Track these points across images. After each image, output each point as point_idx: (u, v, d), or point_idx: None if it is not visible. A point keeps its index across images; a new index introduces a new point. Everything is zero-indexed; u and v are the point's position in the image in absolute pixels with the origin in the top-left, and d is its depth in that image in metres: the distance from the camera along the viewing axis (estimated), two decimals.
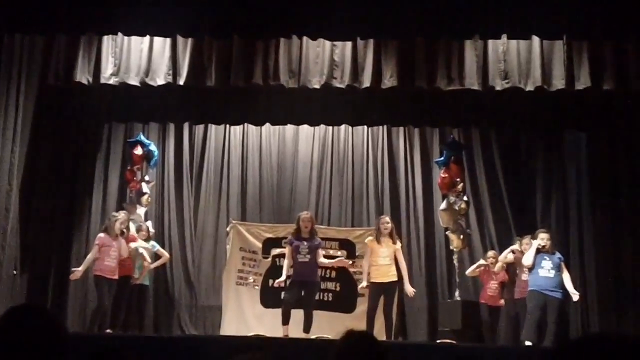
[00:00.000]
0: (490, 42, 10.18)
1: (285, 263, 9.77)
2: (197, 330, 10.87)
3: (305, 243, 9.51)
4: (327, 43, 10.25)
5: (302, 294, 9.45)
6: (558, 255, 9.55)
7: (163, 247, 11.09)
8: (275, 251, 10.71)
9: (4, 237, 10.20)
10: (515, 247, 10.06)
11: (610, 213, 10.91)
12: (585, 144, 11.35)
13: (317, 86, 10.30)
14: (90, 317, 10.06)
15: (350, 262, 10.44)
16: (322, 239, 10.39)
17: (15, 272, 10.30)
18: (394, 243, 9.79)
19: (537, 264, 9.45)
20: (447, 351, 8.92)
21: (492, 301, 10.25)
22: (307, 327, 9.35)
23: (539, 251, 9.43)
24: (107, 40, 10.27)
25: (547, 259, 9.41)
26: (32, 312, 2.36)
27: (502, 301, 10.24)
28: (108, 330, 9.33)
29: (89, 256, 9.65)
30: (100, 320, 9.45)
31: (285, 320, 9.34)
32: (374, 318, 9.56)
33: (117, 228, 9.63)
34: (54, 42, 10.34)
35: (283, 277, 9.67)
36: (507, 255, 10.05)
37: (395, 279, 9.67)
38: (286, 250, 9.82)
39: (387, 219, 10.02)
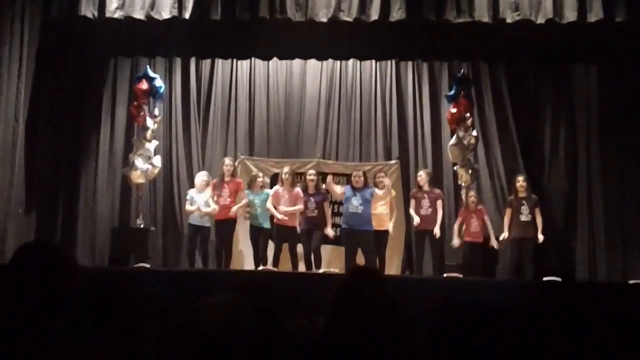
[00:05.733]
0: None
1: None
2: (206, 265, 10.93)
3: (312, 199, 10.01)
4: None
5: (312, 239, 9.99)
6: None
7: (171, 181, 11.35)
8: None
9: (12, 172, 10.23)
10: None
11: (619, 147, 10.86)
12: (596, 78, 11.18)
13: (324, 20, 10.18)
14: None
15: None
16: (330, 174, 10.41)
17: (20, 210, 10.34)
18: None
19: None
20: (452, 285, 9.03)
21: (472, 237, 10.13)
22: (318, 264, 9.93)
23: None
24: None
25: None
26: (41, 249, 2.42)
27: (481, 239, 10.12)
28: None
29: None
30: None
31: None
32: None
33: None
34: None
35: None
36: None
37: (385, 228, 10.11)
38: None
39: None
